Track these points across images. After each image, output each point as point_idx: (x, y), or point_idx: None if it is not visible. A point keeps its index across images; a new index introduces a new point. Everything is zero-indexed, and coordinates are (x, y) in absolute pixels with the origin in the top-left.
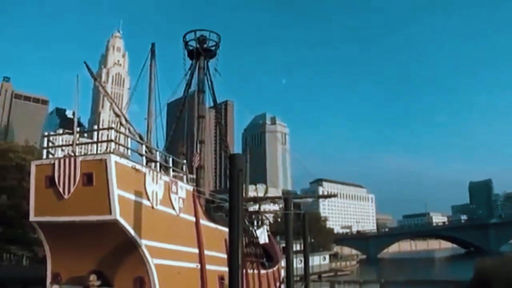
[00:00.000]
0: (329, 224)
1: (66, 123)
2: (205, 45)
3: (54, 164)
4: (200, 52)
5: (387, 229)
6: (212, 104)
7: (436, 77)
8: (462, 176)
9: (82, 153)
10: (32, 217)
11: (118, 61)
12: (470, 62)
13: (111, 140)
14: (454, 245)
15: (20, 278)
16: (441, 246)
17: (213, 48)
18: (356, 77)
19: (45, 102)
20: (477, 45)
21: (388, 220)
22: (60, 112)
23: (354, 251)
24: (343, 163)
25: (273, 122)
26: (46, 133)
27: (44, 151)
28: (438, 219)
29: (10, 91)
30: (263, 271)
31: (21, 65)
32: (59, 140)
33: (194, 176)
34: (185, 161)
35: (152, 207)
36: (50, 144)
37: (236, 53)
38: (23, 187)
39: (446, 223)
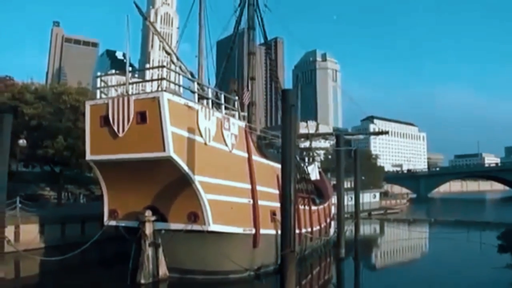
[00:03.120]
0: (380, 162)
1: (116, 65)
2: None
3: (108, 103)
4: None
5: (438, 169)
6: (262, 41)
7: None
8: None
9: (135, 93)
10: (88, 156)
11: (166, 0)
12: None
13: (163, 78)
14: (506, 187)
15: (78, 215)
16: (493, 188)
17: None
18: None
19: (95, 45)
20: None
21: (439, 160)
22: (110, 54)
23: (404, 190)
24: (394, 100)
25: (324, 58)
26: (98, 74)
27: (98, 92)
28: (491, 160)
29: (60, 36)
30: (314, 207)
31: (70, 8)
32: (111, 81)
33: (246, 113)
34: (236, 97)
35: (205, 144)
36: (103, 85)
37: None
38: (78, 128)
39: (499, 164)
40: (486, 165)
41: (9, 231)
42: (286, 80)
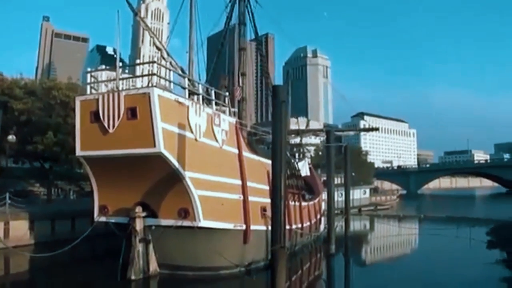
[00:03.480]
0: (370, 158)
1: (107, 60)
2: None
3: (98, 99)
4: None
5: (428, 165)
6: (253, 37)
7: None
8: (506, 113)
9: (125, 88)
10: (78, 152)
11: None
12: None
13: (154, 74)
14: (495, 184)
15: (68, 211)
16: (482, 184)
17: None
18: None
19: (85, 40)
20: None
21: (429, 156)
22: (100, 49)
23: (394, 186)
24: (384, 97)
25: (315, 55)
26: (88, 70)
27: (88, 87)
28: (480, 156)
29: (50, 30)
30: (304, 203)
31: (60, 3)
32: (102, 76)
33: (236, 109)
34: (227, 93)
35: (196, 140)
36: (94, 80)
37: None
38: (68, 124)
39: (488, 161)
40: (476, 161)
41: None
42: (277, 76)
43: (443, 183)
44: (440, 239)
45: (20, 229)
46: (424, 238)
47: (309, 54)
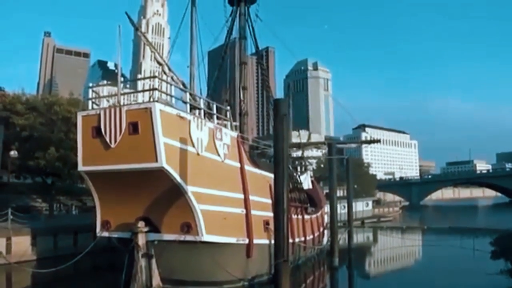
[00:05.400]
0: (372, 170)
1: (108, 75)
2: None
3: (100, 114)
4: None
5: (430, 176)
6: (253, 51)
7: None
8: (508, 123)
9: (127, 103)
10: (80, 167)
11: (158, 11)
12: None
13: (155, 89)
14: (498, 194)
15: (71, 227)
16: (485, 194)
17: None
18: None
19: (86, 55)
20: None
21: (431, 167)
22: (102, 64)
23: (397, 198)
24: (385, 109)
25: (315, 67)
26: (90, 85)
27: (90, 102)
28: (482, 166)
29: (52, 46)
30: (307, 217)
31: (61, 19)
32: (103, 91)
33: (238, 123)
34: (228, 107)
35: (198, 154)
36: (95, 95)
37: None
38: (70, 139)
39: (491, 170)
40: (478, 172)
41: (1, 243)
42: (278, 89)
43: (446, 194)
44: (443, 250)
45: (22, 245)
46: (428, 249)
47: (310, 67)
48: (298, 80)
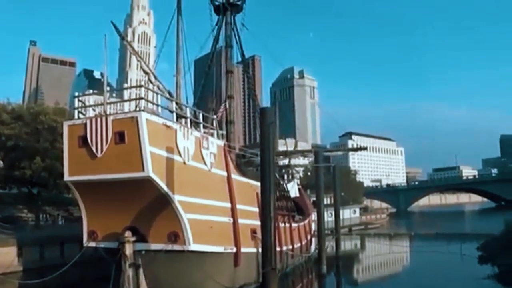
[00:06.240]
0: (359, 177)
1: (94, 84)
2: (232, 0)
3: (86, 124)
4: (227, 7)
5: (417, 182)
6: (239, 59)
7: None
8: (493, 128)
9: (113, 112)
10: (66, 177)
11: (144, 19)
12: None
13: (142, 98)
14: (484, 199)
15: (57, 237)
16: (471, 200)
17: (239, 2)
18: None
19: (72, 64)
20: None
21: (418, 174)
22: (88, 73)
23: (384, 205)
24: (372, 116)
25: (301, 76)
26: (76, 94)
27: (76, 112)
28: (469, 172)
29: (37, 55)
30: (294, 225)
31: (47, 28)
32: (89, 101)
33: (224, 132)
34: (215, 116)
35: (184, 163)
36: (81, 105)
37: (262, 8)
38: (56, 149)
39: (477, 176)
40: (464, 177)
41: None
42: (264, 97)
43: (433, 200)
44: (431, 256)
45: (8, 256)
46: (416, 256)
47: (296, 75)
48: (284, 89)
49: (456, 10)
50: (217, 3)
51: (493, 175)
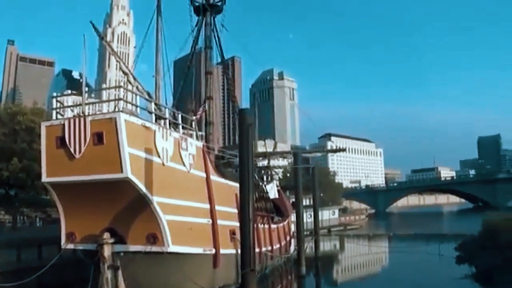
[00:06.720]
0: (338, 178)
1: (73, 84)
2: (211, 1)
3: (64, 124)
4: (207, 8)
5: (395, 184)
6: (219, 60)
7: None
8: (471, 130)
9: (91, 113)
10: (44, 178)
11: (123, 19)
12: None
13: (120, 99)
14: (462, 200)
15: (35, 239)
16: (449, 201)
17: (219, 3)
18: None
19: (51, 64)
20: None
21: (397, 175)
22: (66, 73)
23: (363, 206)
24: (350, 118)
25: (281, 77)
26: (54, 95)
27: (54, 112)
28: (447, 173)
29: (15, 54)
30: (273, 226)
31: (25, 27)
32: (67, 101)
33: (203, 133)
34: (194, 117)
35: (163, 164)
36: (59, 105)
37: (242, 9)
38: (34, 149)
39: (455, 177)
40: (442, 178)
41: None
42: (244, 98)
43: (411, 200)
44: (409, 256)
45: None
46: (394, 256)
47: (276, 77)
48: (264, 90)
49: (456, 10)
50: (197, 4)
51: (471, 176)
